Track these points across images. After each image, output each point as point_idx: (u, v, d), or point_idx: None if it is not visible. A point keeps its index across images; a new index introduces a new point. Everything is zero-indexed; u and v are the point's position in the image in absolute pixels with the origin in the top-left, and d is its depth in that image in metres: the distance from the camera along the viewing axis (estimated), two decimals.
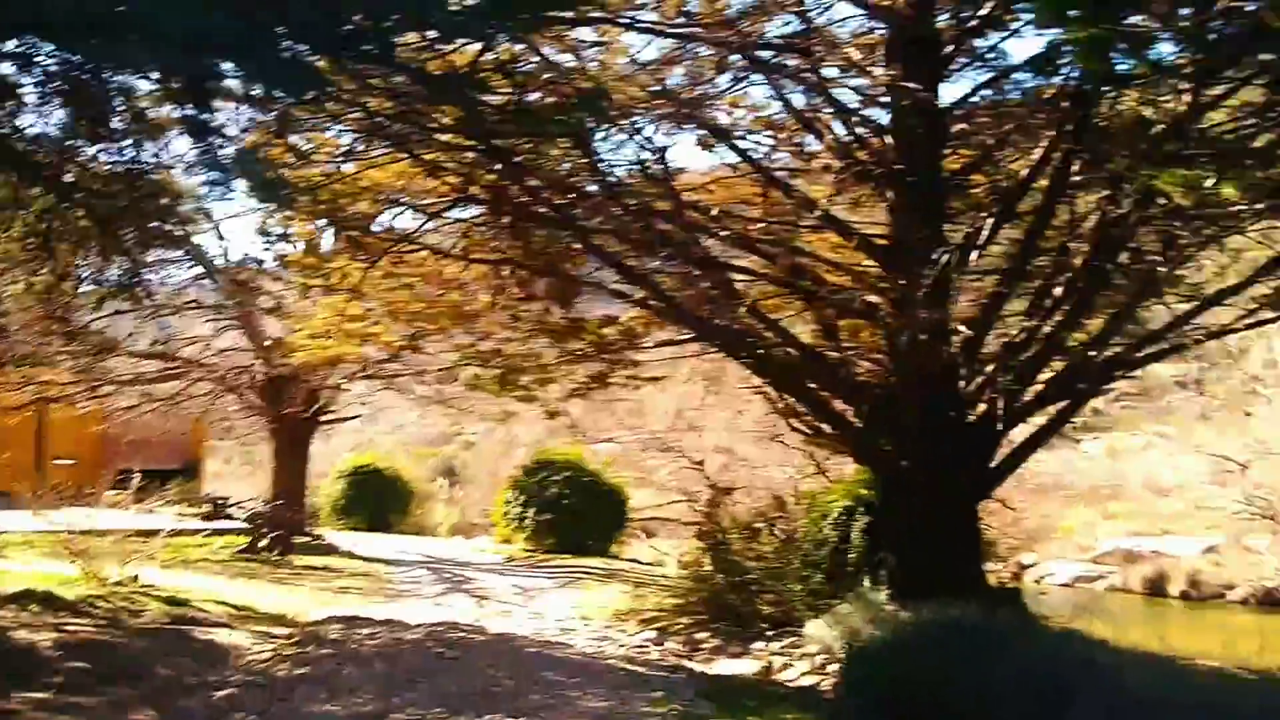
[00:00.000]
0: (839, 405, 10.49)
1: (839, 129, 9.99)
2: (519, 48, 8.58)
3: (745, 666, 9.25)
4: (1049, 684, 5.88)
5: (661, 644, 10.24)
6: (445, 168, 10.21)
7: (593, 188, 10.06)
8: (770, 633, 9.95)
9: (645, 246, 10.06)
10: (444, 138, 9.27)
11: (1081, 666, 6.31)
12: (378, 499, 26.95)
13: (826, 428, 11.08)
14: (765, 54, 9.64)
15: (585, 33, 9.50)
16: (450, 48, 7.71)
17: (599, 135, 9.67)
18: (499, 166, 9.77)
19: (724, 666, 9.31)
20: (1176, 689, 5.98)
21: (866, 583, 9.65)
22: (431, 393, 20.30)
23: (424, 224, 11.80)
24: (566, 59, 9.52)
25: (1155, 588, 31.33)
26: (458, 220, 11.63)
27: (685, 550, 13.88)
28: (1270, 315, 9.06)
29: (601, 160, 9.96)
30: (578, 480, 20.10)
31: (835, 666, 8.42)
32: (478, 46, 7.68)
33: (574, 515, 19.75)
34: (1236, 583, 30.07)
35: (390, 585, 14.74)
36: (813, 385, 10.51)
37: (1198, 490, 25.03)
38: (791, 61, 9.60)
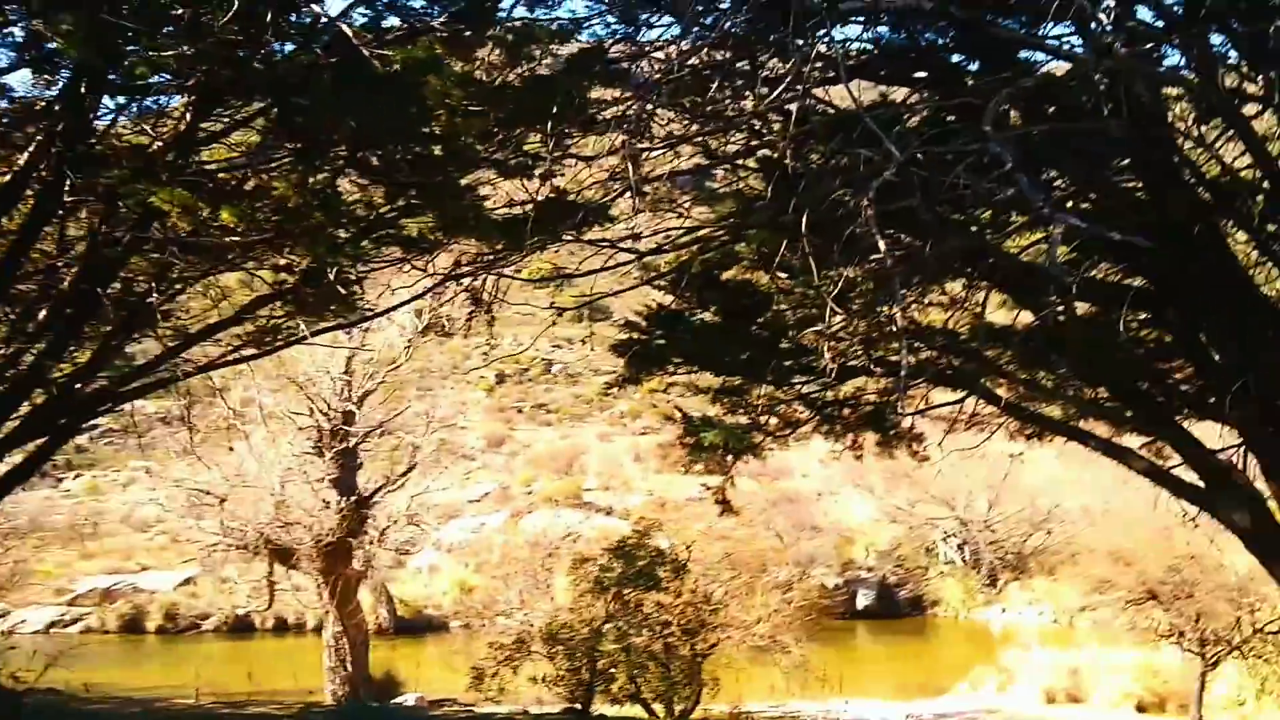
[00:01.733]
0: None
1: None
2: None
3: None
4: None
5: None
6: None
7: None
8: None
9: None
10: None
11: None
12: None
13: None
14: None
15: None
16: None
17: None
18: None
19: None
20: None
21: None
22: None
23: None
24: None
25: (133, 624, 31.25)
26: None
27: None
28: (252, 352, 9.62)
29: None
30: None
31: None
32: None
33: None
34: (212, 612, 31.49)
35: None
36: None
37: (177, 524, 25.50)
38: None
